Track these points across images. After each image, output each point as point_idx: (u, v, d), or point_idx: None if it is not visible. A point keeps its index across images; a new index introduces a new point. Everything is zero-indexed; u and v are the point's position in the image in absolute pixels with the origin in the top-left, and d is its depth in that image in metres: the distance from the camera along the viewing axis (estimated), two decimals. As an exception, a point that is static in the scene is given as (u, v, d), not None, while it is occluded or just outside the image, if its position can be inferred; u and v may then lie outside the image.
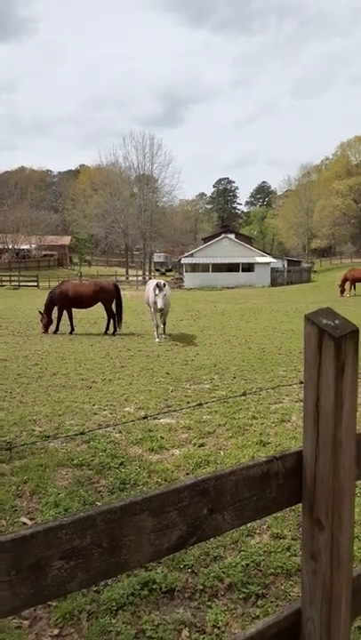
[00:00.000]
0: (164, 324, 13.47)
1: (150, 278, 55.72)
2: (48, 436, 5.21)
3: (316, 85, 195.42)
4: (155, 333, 12.79)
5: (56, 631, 2.50)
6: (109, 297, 14.29)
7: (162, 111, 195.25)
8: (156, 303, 12.34)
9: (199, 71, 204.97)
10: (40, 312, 14.60)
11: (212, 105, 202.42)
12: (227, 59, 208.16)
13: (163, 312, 12.65)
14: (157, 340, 12.45)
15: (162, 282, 12.82)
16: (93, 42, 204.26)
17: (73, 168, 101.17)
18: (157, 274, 63.47)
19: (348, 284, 26.80)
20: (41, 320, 14.47)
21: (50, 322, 14.39)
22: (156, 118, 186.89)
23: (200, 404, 3.84)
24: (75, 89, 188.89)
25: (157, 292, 12.21)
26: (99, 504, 3.60)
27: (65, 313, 14.57)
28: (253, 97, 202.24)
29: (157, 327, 12.92)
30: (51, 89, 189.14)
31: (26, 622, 2.57)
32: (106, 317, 14.57)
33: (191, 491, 1.25)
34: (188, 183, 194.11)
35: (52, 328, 14.40)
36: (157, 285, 12.44)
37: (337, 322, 1.47)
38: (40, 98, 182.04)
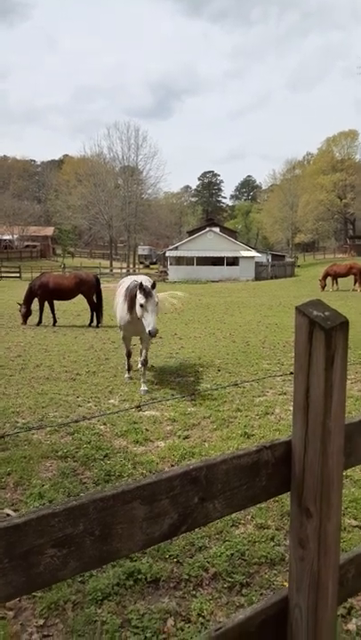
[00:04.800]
0: (146, 362, 7.33)
1: (133, 272, 55.13)
2: (32, 428, 5.18)
3: (311, 79, 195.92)
4: (126, 366, 7.72)
5: (41, 621, 2.49)
6: (90, 289, 14.20)
7: (154, 102, 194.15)
8: (140, 321, 6.61)
9: (194, 62, 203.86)
10: (19, 303, 14.51)
11: (205, 97, 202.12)
12: (223, 50, 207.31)
13: (150, 337, 6.69)
14: (128, 375, 7.59)
15: (147, 280, 6.81)
16: (87, 30, 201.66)
17: (57, 158, 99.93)
18: (141, 266, 63.23)
19: (329, 279, 27.03)
20: (19, 311, 14.40)
21: (29, 313, 14.33)
22: (149, 109, 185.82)
23: (192, 394, 3.83)
24: (67, 78, 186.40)
25: (143, 300, 6.42)
26: (83, 495, 3.59)
27: (47, 305, 14.47)
28: (246, 90, 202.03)
29: (130, 363, 7.76)
30: (42, 77, 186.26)
31: (10, 613, 2.56)
32: (89, 310, 14.51)
33: (183, 479, 1.26)
34: (175, 176, 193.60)
35: (35, 320, 14.29)
36: (142, 289, 6.48)
37: (327, 313, 1.48)
38: (30, 86, 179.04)
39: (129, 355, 7.80)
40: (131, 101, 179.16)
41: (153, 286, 6.67)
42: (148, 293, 6.49)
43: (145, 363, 7.31)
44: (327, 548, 1.44)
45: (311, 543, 1.43)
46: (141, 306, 6.47)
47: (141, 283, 6.60)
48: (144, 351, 7.33)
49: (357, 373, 7.60)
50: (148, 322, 6.40)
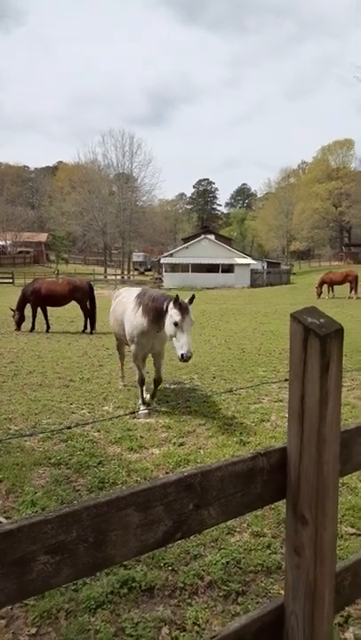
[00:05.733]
0: (160, 381, 6.45)
1: (128, 279, 55.05)
2: (24, 434, 5.14)
3: (307, 87, 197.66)
4: (140, 398, 6.25)
5: (33, 630, 2.46)
6: (83, 296, 14.18)
7: (151, 110, 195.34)
8: (159, 336, 6.01)
9: (190, 70, 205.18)
10: (12, 309, 14.48)
11: (201, 105, 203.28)
12: (219, 58, 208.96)
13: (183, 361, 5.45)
14: (143, 408, 6.08)
15: (180, 300, 5.47)
16: (83, 37, 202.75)
17: (51, 164, 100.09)
18: (136, 273, 63.27)
19: (325, 287, 27.15)
20: (13, 317, 14.38)
21: (22, 319, 14.31)
22: (145, 117, 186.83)
23: (187, 401, 3.81)
24: (62, 85, 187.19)
25: (178, 317, 5.37)
26: (76, 502, 3.57)
27: (40, 311, 14.44)
28: (242, 98, 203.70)
29: (143, 391, 6.29)
30: (37, 84, 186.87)
31: (2, 621, 2.52)
32: (83, 316, 14.48)
33: (177, 486, 1.25)
34: (171, 183, 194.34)
35: (28, 326, 14.25)
36: (177, 304, 5.42)
37: (322, 320, 1.49)
38: (25, 92, 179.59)
39: (142, 381, 6.30)
40: (126, 109, 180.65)
41: (190, 301, 5.64)
42: (185, 309, 5.44)
43: (158, 382, 6.38)
44: (323, 555, 1.43)
45: (307, 551, 1.42)
46: (176, 324, 5.39)
47: (177, 296, 5.49)
48: (158, 369, 6.39)
49: (354, 380, 7.61)
50: (182, 344, 5.35)
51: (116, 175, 66.77)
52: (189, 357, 5.37)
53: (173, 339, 5.47)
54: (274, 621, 1.48)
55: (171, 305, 5.52)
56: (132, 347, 6.25)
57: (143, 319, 5.91)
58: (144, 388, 6.32)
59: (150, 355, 6.47)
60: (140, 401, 6.25)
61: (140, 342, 6.11)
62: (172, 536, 1.25)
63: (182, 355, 5.33)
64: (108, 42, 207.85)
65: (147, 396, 6.32)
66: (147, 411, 6.01)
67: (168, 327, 5.54)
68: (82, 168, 66.91)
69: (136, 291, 6.61)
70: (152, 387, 6.47)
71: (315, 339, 1.41)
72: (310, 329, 1.42)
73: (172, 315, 5.45)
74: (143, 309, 5.91)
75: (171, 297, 5.65)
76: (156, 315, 5.77)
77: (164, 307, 5.63)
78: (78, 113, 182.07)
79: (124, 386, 7.20)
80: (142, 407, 6.10)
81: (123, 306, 6.60)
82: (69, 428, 4.18)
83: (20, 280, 38.35)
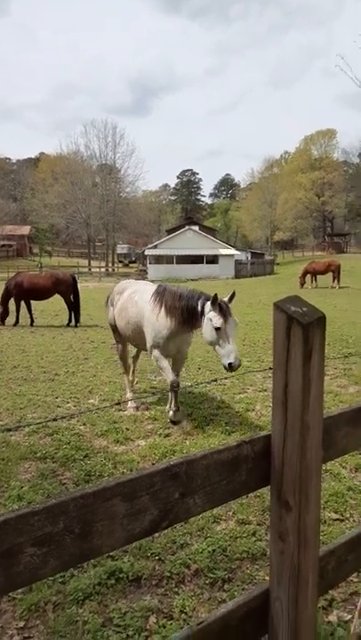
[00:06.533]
0: (178, 384, 5.37)
1: (112, 271, 54.65)
2: (9, 429, 5.12)
3: (291, 77, 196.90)
4: (171, 409, 5.36)
5: (22, 623, 2.47)
6: (67, 289, 14.07)
7: (133, 100, 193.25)
8: (184, 338, 5.43)
9: (173, 60, 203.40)
10: None
11: (183, 95, 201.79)
12: (202, 47, 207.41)
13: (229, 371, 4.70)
14: (172, 413, 5.34)
15: (219, 300, 4.70)
16: (65, 27, 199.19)
17: (33, 156, 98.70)
18: (120, 265, 62.95)
19: (308, 277, 27.36)
20: None
21: (6, 313, 14.19)
22: (127, 107, 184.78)
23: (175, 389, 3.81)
24: (43, 75, 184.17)
25: (220, 321, 4.61)
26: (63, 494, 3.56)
27: (23, 305, 14.31)
28: (226, 88, 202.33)
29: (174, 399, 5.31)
30: (17, 73, 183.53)
31: (-10, 616, 2.52)
32: (67, 309, 14.39)
33: (163, 475, 1.26)
34: (154, 174, 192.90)
35: (12, 320, 14.12)
36: (216, 304, 4.66)
37: (305, 309, 1.50)
38: (6, 82, 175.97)
39: (176, 385, 5.26)
40: (108, 99, 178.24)
41: (231, 299, 4.82)
42: (226, 312, 4.66)
43: (177, 386, 5.31)
44: (307, 540, 1.46)
45: (291, 536, 1.44)
46: (217, 329, 4.59)
47: (216, 295, 4.68)
48: (177, 374, 5.56)
49: (336, 369, 7.71)
50: (228, 351, 4.55)
51: (98, 166, 66.26)
52: (238, 367, 4.59)
53: (217, 346, 4.68)
54: (259, 606, 1.51)
55: (208, 306, 4.74)
56: (155, 352, 5.40)
57: (169, 321, 5.11)
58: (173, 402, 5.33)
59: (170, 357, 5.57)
60: (170, 406, 5.39)
61: (165, 347, 5.32)
62: (159, 525, 1.26)
63: (230, 364, 4.55)
64: (90, 31, 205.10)
65: (170, 413, 5.39)
66: (182, 420, 5.33)
67: (208, 333, 4.73)
68: (64, 159, 66.23)
69: (149, 287, 5.86)
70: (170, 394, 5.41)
71: (298, 327, 1.42)
72: (293, 317, 1.44)
73: (212, 319, 4.65)
74: (167, 310, 5.12)
75: (204, 294, 4.94)
76: (188, 316, 4.96)
77: (199, 307, 4.85)
78: (60, 103, 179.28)
79: (136, 408, 5.93)
80: (171, 411, 5.35)
81: (136, 306, 5.67)
82: (55, 420, 4.16)
83: (3, 274, 37.74)
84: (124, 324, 5.90)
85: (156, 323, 5.23)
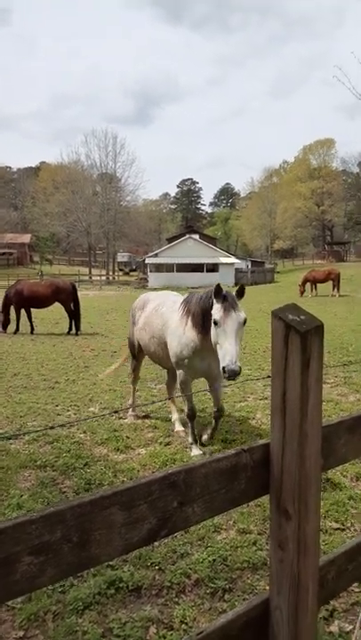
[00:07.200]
0: (221, 412, 4.97)
1: (113, 279, 54.67)
2: (9, 436, 5.10)
3: (290, 87, 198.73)
4: (191, 437, 4.77)
5: (21, 633, 2.45)
6: (66, 297, 14.09)
7: (134, 109, 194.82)
8: (218, 352, 4.01)
9: (174, 70, 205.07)
10: None
11: (184, 104, 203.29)
12: (204, 57, 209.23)
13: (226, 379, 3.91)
14: (196, 449, 4.70)
15: (222, 291, 4.11)
16: (66, 36, 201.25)
17: (33, 165, 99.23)
18: (121, 273, 63.07)
19: (308, 285, 27.40)
20: None
21: (7, 321, 14.23)
22: (128, 117, 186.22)
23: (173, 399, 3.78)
24: (44, 84, 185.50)
25: (219, 313, 3.98)
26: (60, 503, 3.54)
27: (24, 313, 14.33)
28: (226, 98, 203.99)
29: (194, 427, 4.81)
30: (18, 83, 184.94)
31: (-11, 626, 2.51)
32: (67, 317, 14.40)
33: (161, 484, 1.26)
34: (155, 183, 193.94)
35: (13, 328, 14.14)
36: (219, 295, 4.07)
37: (303, 317, 1.50)
38: (6, 91, 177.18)
39: (194, 415, 4.76)
40: (110, 109, 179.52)
41: (240, 293, 4.18)
42: (229, 303, 4.00)
43: (220, 414, 4.85)
44: (306, 549, 1.45)
45: (291, 545, 1.44)
46: (216, 323, 3.99)
47: (218, 285, 4.11)
48: (217, 398, 4.87)
49: (337, 377, 7.69)
50: (224, 352, 3.86)
51: (99, 175, 66.49)
52: (235, 373, 3.74)
53: (217, 345, 4.02)
54: (259, 616, 1.50)
55: (213, 299, 4.15)
56: (180, 371, 4.76)
57: (195, 333, 4.44)
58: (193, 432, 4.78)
59: (202, 378, 4.93)
60: (190, 439, 4.75)
61: (191, 365, 4.63)
62: (157, 534, 1.26)
63: (223, 368, 3.82)
64: (92, 41, 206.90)
65: (204, 437, 4.97)
66: (201, 452, 4.63)
67: (212, 330, 4.13)
68: (65, 168, 66.49)
69: (176, 297, 5.25)
70: (212, 423, 5.01)
71: (295, 335, 1.43)
72: (291, 326, 1.44)
73: (214, 311, 4.07)
74: (193, 320, 4.45)
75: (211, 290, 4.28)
76: (207, 321, 4.26)
77: (211, 305, 4.22)
78: (61, 113, 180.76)
79: (136, 417, 5.81)
80: (195, 448, 4.67)
81: (161, 317, 5.08)
82: (54, 428, 4.14)
83: (3, 282, 37.88)
84: (149, 337, 5.34)
85: (182, 337, 4.60)
